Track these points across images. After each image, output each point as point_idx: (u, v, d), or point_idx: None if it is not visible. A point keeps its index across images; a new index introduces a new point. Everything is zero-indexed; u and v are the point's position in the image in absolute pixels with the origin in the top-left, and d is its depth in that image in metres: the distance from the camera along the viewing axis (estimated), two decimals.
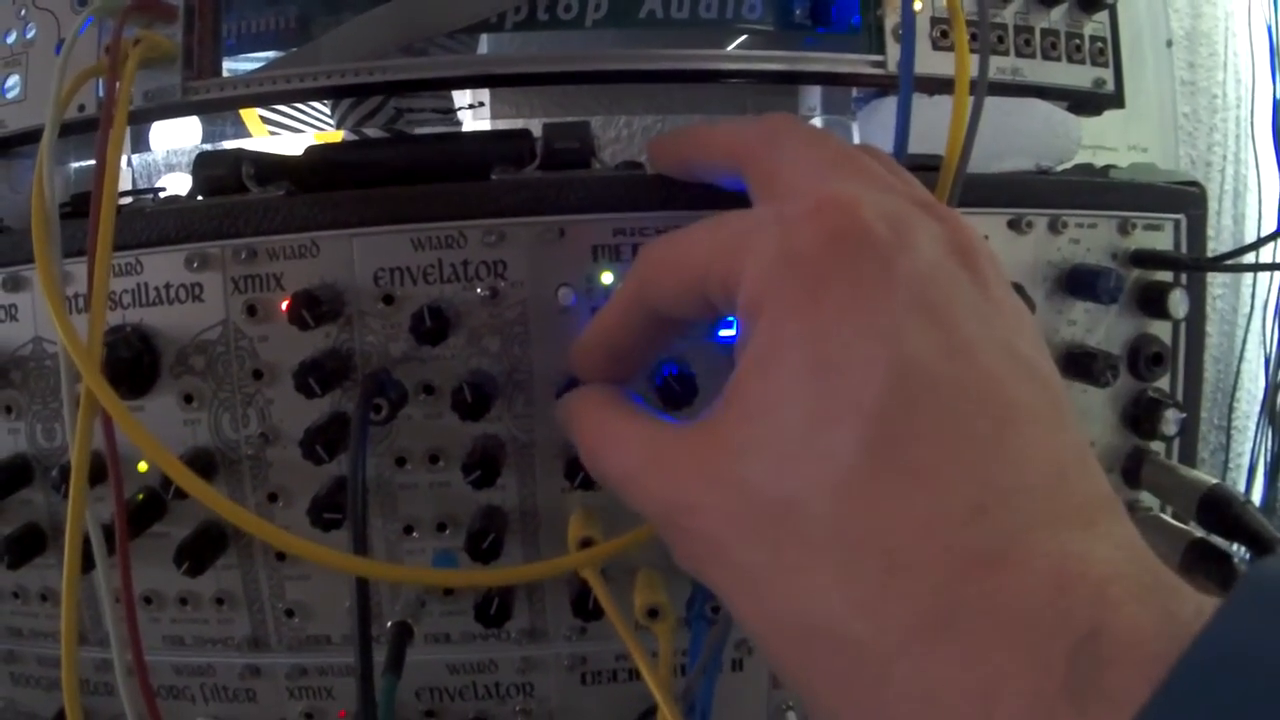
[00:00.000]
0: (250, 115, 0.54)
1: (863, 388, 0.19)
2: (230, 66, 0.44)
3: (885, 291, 0.19)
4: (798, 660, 0.19)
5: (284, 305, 0.32)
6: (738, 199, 0.26)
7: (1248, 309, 0.72)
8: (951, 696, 0.16)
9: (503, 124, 0.55)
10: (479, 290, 0.33)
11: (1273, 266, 0.65)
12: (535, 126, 0.38)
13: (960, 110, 0.32)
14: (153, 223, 0.34)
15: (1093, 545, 0.17)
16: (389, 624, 0.32)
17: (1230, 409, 0.72)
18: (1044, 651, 0.15)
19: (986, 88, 0.33)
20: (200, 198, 0.36)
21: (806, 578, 0.18)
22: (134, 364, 0.34)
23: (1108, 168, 0.43)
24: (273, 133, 0.55)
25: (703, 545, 0.21)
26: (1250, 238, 0.71)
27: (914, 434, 0.18)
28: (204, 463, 0.34)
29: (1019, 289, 0.34)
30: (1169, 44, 0.61)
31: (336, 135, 0.49)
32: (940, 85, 0.40)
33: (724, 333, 0.33)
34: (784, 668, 0.20)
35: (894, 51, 0.40)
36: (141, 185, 0.55)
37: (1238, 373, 0.72)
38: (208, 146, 0.54)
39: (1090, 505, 0.18)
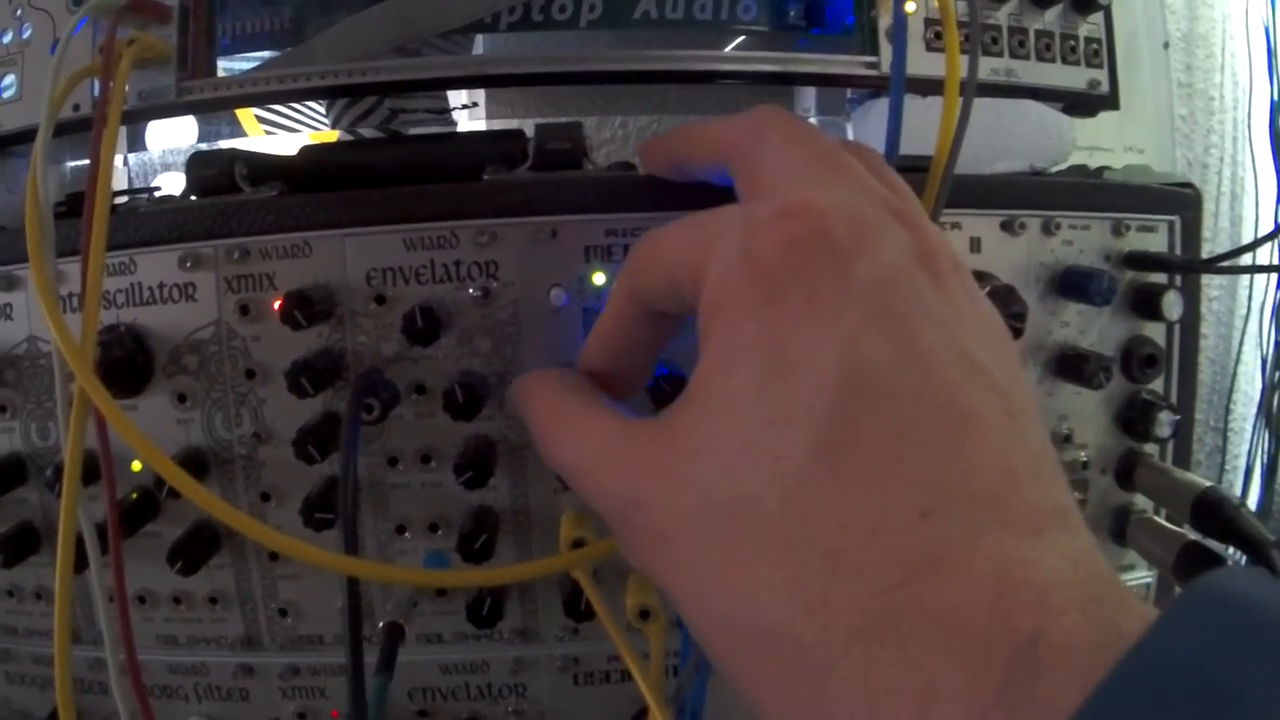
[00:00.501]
0: (246, 115, 0.54)
1: (815, 392, 0.19)
2: (225, 66, 0.44)
3: (842, 297, 0.19)
4: (741, 659, 0.19)
5: (276, 305, 0.32)
6: (729, 196, 0.26)
7: (1244, 311, 0.72)
8: (889, 700, 0.16)
9: (498, 124, 0.55)
10: (471, 290, 0.33)
11: (1267, 268, 0.65)
12: (530, 127, 0.38)
13: (950, 111, 0.32)
14: (146, 222, 0.34)
15: (1038, 553, 0.17)
16: (381, 624, 0.32)
17: (1227, 411, 0.72)
18: (981, 657, 0.15)
19: (977, 89, 0.33)
20: (194, 198, 0.36)
21: (753, 577, 0.18)
22: (127, 363, 0.34)
23: (1102, 169, 0.43)
24: (269, 132, 0.55)
25: (652, 542, 0.21)
26: (1247, 239, 0.70)
27: (864, 439, 0.18)
28: (197, 462, 0.34)
29: (1009, 292, 0.34)
30: (1166, 46, 0.61)
31: (332, 135, 0.49)
32: (934, 86, 0.40)
33: None
34: (727, 666, 0.20)
35: (887, 52, 0.40)
36: (138, 184, 0.55)
37: (1234, 375, 0.72)
38: (204, 146, 0.54)
39: (1039, 514, 0.18)
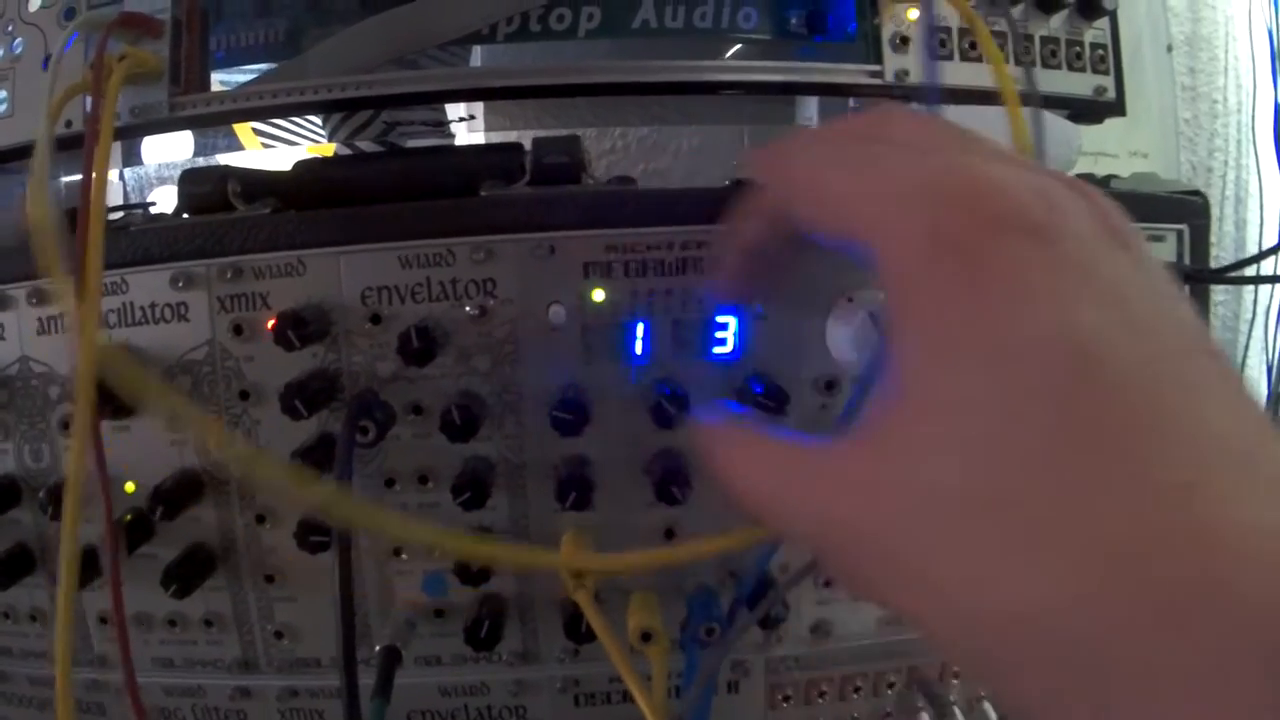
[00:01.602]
0: (243, 128, 0.54)
1: (1048, 375, 0.18)
2: (221, 79, 0.43)
3: (1051, 274, 0.19)
4: (1005, 659, 0.18)
5: (270, 325, 0.32)
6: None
7: (1250, 316, 0.71)
8: (1181, 688, 0.16)
9: (497, 136, 0.55)
10: (468, 309, 0.32)
11: (1275, 279, 0.64)
12: (529, 138, 0.37)
13: (1017, 123, 0.32)
14: (137, 242, 0.33)
15: None
16: (377, 648, 0.32)
17: None
18: (1256, 652, 0.15)
19: (981, 97, 0.33)
20: (186, 215, 0.35)
21: (1012, 575, 0.17)
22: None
23: (1109, 178, 0.43)
24: (266, 145, 0.55)
25: (869, 559, 0.20)
26: (1252, 243, 0.70)
27: (1108, 416, 0.17)
28: (191, 484, 0.34)
29: None
30: (1169, 49, 0.60)
31: (329, 148, 0.48)
32: (939, 95, 0.40)
33: (717, 350, 0.33)
34: (986, 667, 0.19)
35: (891, 60, 0.40)
36: (134, 199, 0.55)
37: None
38: (200, 160, 0.54)
39: None
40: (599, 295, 0.32)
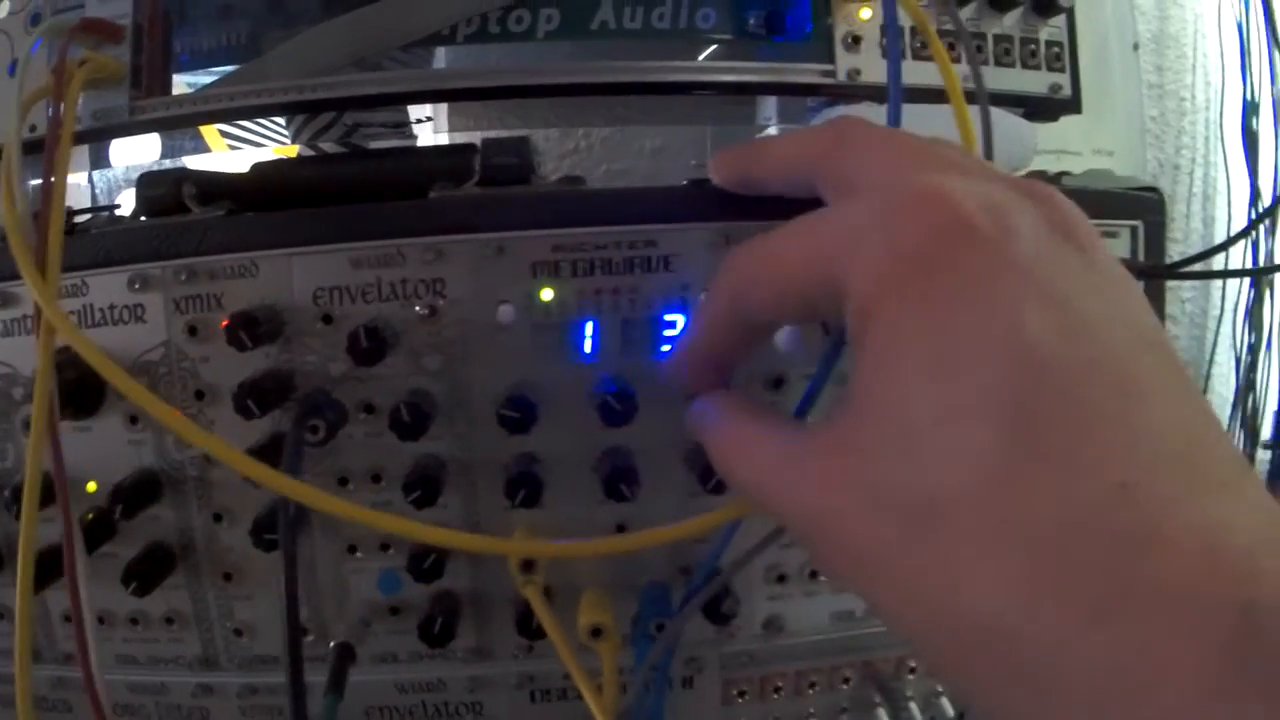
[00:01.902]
0: (209, 131, 0.54)
1: (990, 378, 0.19)
2: (186, 81, 0.44)
3: (998, 279, 0.19)
4: (958, 657, 0.19)
5: (223, 325, 0.32)
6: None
7: (1218, 311, 0.71)
8: (1120, 682, 0.16)
9: (459, 136, 0.55)
10: (418, 308, 0.32)
11: (1232, 273, 0.65)
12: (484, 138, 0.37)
13: (963, 121, 0.32)
14: (96, 244, 0.34)
15: (1235, 513, 0.17)
16: (331, 645, 0.32)
17: None
18: (1206, 628, 0.16)
19: (932, 95, 0.33)
20: (143, 218, 0.36)
21: (961, 576, 0.18)
22: (80, 385, 0.33)
23: (1060, 174, 0.43)
24: (232, 147, 0.55)
25: (841, 550, 0.21)
26: (1221, 240, 0.70)
27: (1048, 419, 0.18)
28: (150, 483, 0.34)
29: None
30: (1136, 47, 0.60)
31: (294, 150, 0.48)
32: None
33: (665, 348, 0.33)
34: (942, 665, 0.20)
35: (843, 60, 0.40)
36: (103, 201, 0.55)
37: (1208, 376, 0.71)
38: (168, 162, 0.54)
39: (1225, 471, 0.18)
40: (547, 294, 0.33)
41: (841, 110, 0.41)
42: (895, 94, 0.31)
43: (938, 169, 0.22)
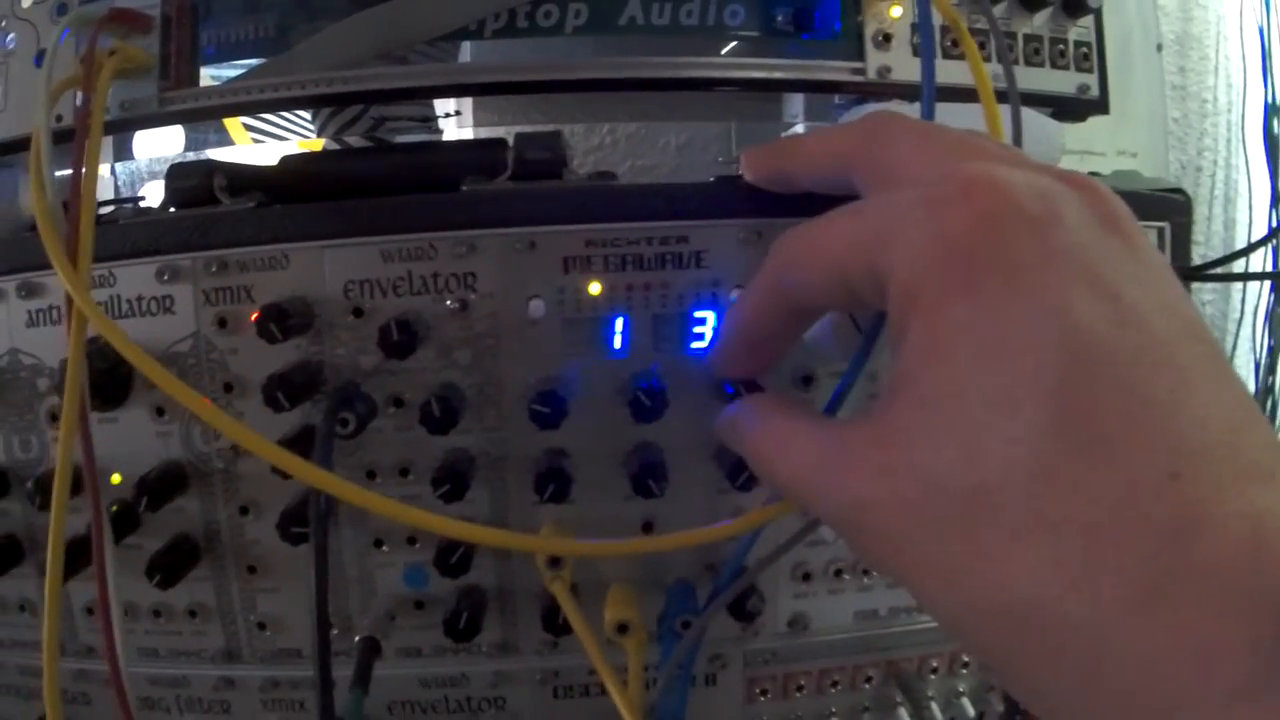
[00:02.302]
0: (233, 123, 0.54)
1: (1039, 366, 0.19)
2: (211, 73, 0.44)
3: (1046, 267, 0.19)
4: (1003, 643, 0.19)
5: (253, 318, 0.32)
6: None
7: (1238, 315, 0.71)
8: (1168, 667, 0.16)
9: (485, 131, 0.55)
10: (449, 302, 0.32)
11: (1256, 276, 0.65)
12: (516, 134, 0.37)
13: (992, 119, 0.32)
14: (124, 235, 0.34)
15: (1278, 500, 0.17)
16: (356, 639, 0.32)
17: None
18: (1253, 614, 0.16)
19: (962, 95, 0.33)
20: (172, 209, 0.36)
21: (1008, 562, 0.18)
22: (108, 375, 0.33)
23: (1090, 175, 0.43)
24: (256, 140, 0.55)
25: (884, 540, 0.21)
26: (1241, 242, 0.70)
27: (1097, 407, 0.18)
28: (175, 475, 0.34)
29: None
30: (1159, 48, 0.60)
31: (319, 143, 0.48)
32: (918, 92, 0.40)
33: (695, 344, 0.33)
34: (987, 651, 0.20)
35: (874, 57, 0.40)
36: (125, 193, 0.55)
37: None
38: (191, 154, 0.54)
39: (1268, 459, 0.18)
40: (595, 288, 0.33)
41: (873, 108, 0.41)
42: (929, 90, 0.31)
43: (983, 158, 0.22)
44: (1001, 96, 0.40)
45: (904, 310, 0.21)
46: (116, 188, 0.56)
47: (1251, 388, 0.71)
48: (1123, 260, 0.20)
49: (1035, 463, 0.18)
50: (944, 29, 0.40)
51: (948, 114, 0.32)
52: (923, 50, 0.33)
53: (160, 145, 0.54)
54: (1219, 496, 0.17)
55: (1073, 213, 0.21)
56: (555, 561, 0.31)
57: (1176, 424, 0.18)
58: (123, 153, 0.53)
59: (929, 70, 0.31)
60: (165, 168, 0.37)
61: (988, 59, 0.41)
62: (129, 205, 0.44)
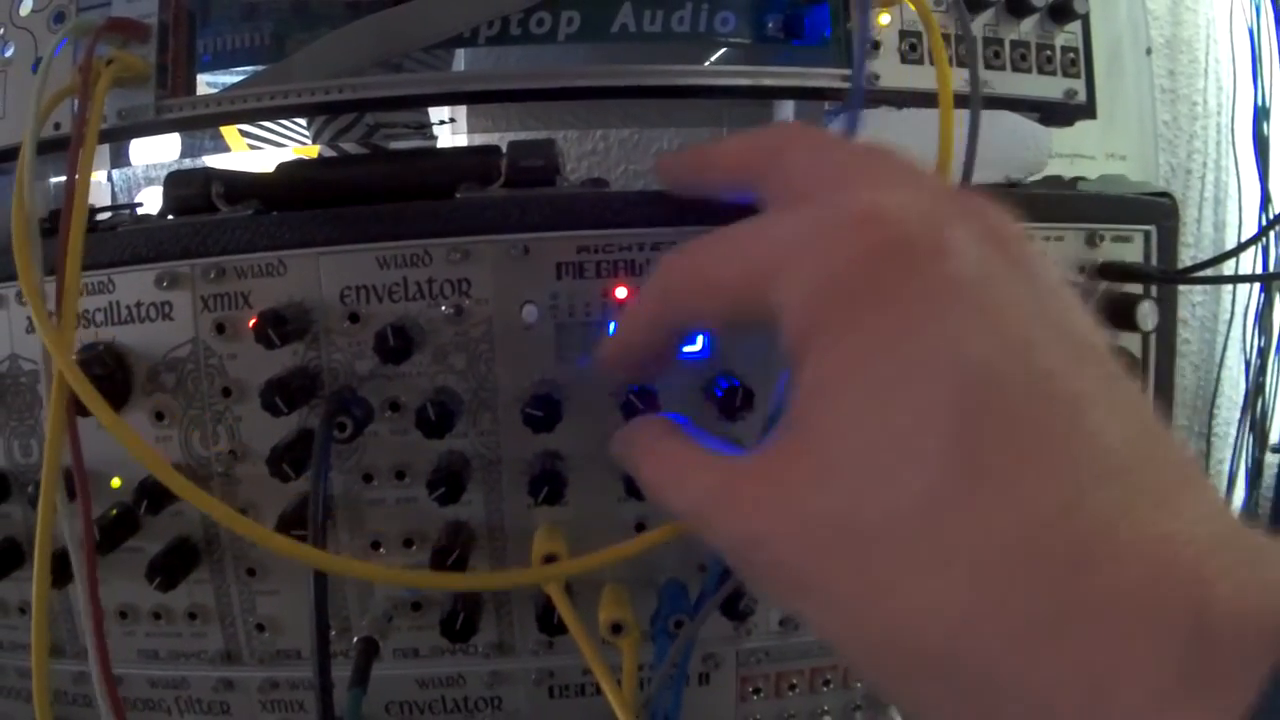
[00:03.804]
0: (230, 130, 0.54)
1: (930, 402, 0.18)
2: (208, 80, 0.44)
3: (935, 300, 0.19)
4: (903, 682, 0.19)
5: (251, 324, 0.32)
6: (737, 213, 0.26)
7: (1228, 315, 0.72)
8: (1069, 697, 0.16)
9: (479, 137, 0.55)
10: (444, 308, 0.33)
11: (1243, 278, 0.65)
12: (510, 140, 0.38)
13: (946, 125, 0.32)
14: (123, 242, 0.34)
15: (1180, 523, 0.17)
16: (355, 639, 0.32)
17: (1210, 416, 0.72)
18: (1152, 643, 0.15)
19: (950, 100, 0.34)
20: (170, 217, 0.36)
21: (899, 599, 0.18)
22: (106, 381, 0.34)
23: (1076, 179, 0.43)
24: (252, 146, 0.55)
25: (781, 577, 0.21)
26: (1231, 245, 0.70)
27: (989, 441, 0.18)
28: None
29: None
30: (1149, 52, 0.61)
31: (314, 150, 0.49)
32: (909, 98, 0.41)
33: (687, 348, 0.34)
34: (886, 688, 0.20)
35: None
36: (122, 199, 0.56)
37: (1218, 379, 0.72)
38: (188, 161, 0.54)
39: (1169, 481, 0.18)
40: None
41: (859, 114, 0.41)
42: (856, 99, 0.32)
43: (874, 183, 0.22)
44: (990, 102, 0.41)
45: (798, 346, 0.21)
46: (113, 193, 0.56)
47: (1241, 388, 0.71)
48: (1015, 287, 0.20)
49: (927, 500, 0.18)
50: (905, 34, 0.40)
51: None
52: (855, 56, 0.33)
53: (157, 151, 0.54)
54: (1118, 524, 0.17)
55: (963, 241, 0.20)
56: (550, 559, 0.32)
57: (1071, 454, 0.18)
58: (119, 159, 0.54)
59: (859, 82, 0.32)
60: (162, 174, 0.37)
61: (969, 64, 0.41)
62: (126, 211, 0.44)
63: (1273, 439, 0.69)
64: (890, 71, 0.40)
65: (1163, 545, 0.16)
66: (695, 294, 0.24)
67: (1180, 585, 0.16)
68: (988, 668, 0.17)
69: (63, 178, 0.49)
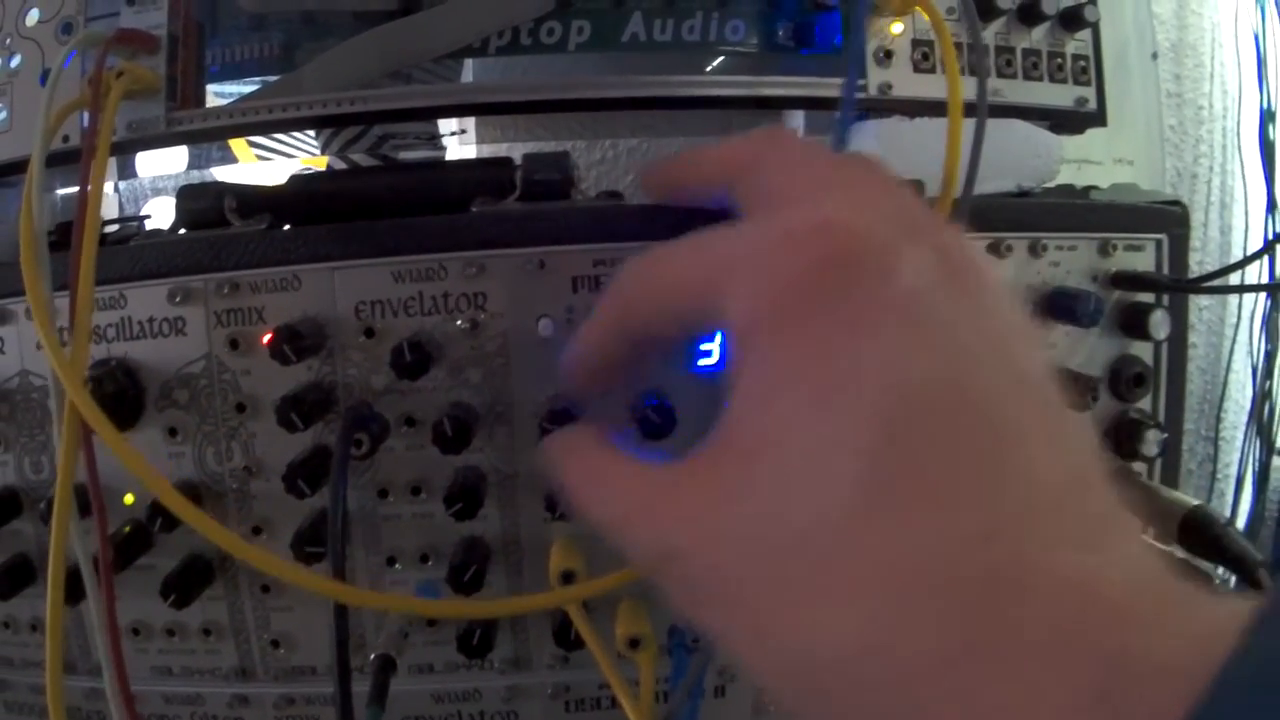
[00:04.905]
0: (238, 141, 0.54)
1: (859, 418, 0.18)
2: (216, 91, 0.44)
3: (876, 318, 0.19)
4: (812, 700, 0.19)
5: (265, 339, 0.32)
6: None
7: (1235, 320, 0.72)
8: None
9: (488, 149, 0.55)
10: (459, 322, 0.33)
11: (1254, 288, 0.65)
12: (520, 151, 0.38)
13: (955, 134, 0.32)
14: (135, 257, 0.34)
15: (1104, 563, 0.17)
16: (372, 656, 0.32)
17: (1218, 420, 0.72)
18: (1069, 680, 0.15)
19: (961, 109, 0.33)
20: (182, 230, 0.36)
21: (816, 617, 0.18)
22: (119, 397, 0.34)
23: (1089, 189, 0.43)
24: (261, 158, 0.55)
25: (697, 590, 0.20)
26: (1237, 249, 0.71)
27: (916, 462, 0.18)
28: (189, 496, 0.34)
29: None
30: (1154, 56, 0.61)
31: (323, 161, 0.49)
32: (921, 108, 0.41)
33: (702, 362, 0.33)
34: (799, 708, 0.19)
35: (874, 74, 0.40)
36: (129, 210, 0.56)
37: (1225, 384, 0.72)
38: (195, 172, 0.54)
39: (1098, 519, 0.18)
40: None
41: (872, 124, 0.41)
42: (847, 110, 0.32)
43: (837, 198, 0.22)
44: (994, 110, 0.41)
45: (738, 354, 0.21)
46: (120, 205, 0.56)
47: (1248, 393, 0.71)
48: (960, 312, 0.20)
49: (847, 517, 0.18)
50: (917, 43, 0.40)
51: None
52: (849, 68, 0.33)
53: (164, 163, 0.54)
54: (1040, 557, 0.17)
55: (914, 263, 0.20)
56: (568, 578, 0.32)
57: (998, 482, 0.18)
58: (126, 170, 0.53)
59: (849, 94, 0.32)
60: (169, 185, 0.37)
61: (987, 73, 0.41)
62: (134, 223, 0.44)
63: (1279, 443, 0.69)
64: (903, 81, 0.40)
65: (1085, 584, 0.16)
66: (652, 302, 0.24)
67: (1098, 628, 0.15)
68: (898, 693, 0.17)
69: (70, 190, 0.49)
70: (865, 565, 0.17)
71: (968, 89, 0.35)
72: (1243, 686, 0.14)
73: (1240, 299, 0.71)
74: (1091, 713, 0.15)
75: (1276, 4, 0.66)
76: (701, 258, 0.23)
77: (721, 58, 0.46)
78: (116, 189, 0.54)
